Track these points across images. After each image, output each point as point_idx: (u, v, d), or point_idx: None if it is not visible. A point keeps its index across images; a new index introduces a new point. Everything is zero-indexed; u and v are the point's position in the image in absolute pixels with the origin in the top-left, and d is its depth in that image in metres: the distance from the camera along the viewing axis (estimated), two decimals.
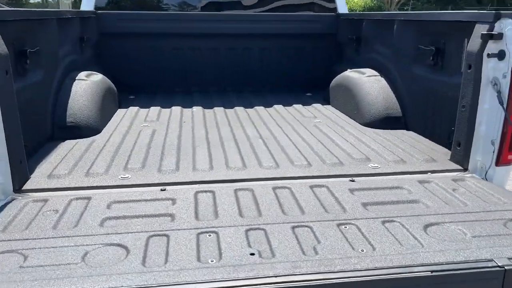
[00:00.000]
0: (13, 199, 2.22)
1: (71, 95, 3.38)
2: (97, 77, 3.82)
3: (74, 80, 3.55)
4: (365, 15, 4.46)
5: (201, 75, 5.02)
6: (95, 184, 2.38)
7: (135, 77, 4.85)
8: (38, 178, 2.46)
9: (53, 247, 1.74)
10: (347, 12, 5.07)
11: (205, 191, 2.29)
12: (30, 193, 2.31)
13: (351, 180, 2.46)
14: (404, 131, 3.48)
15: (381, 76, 3.87)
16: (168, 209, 2.09)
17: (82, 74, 3.68)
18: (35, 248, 1.73)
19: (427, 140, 3.21)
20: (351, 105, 3.92)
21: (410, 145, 3.06)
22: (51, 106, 3.23)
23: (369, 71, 3.98)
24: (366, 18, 4.30)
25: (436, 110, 3.17)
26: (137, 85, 4.84)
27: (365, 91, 3.76)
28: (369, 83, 3.81)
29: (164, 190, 2.31)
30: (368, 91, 3.74)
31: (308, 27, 4.99)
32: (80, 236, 1.83)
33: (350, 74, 4.12)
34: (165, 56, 4.90)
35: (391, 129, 3.50)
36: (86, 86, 3.53)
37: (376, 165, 2.69)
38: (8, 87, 2.24)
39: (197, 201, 2.17)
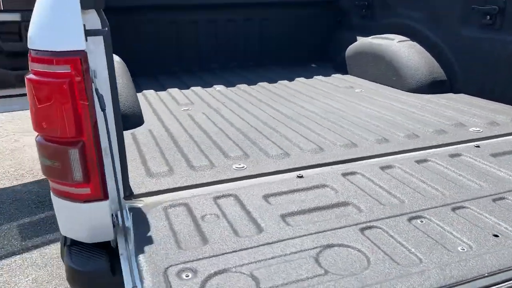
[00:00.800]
0: (133, 208, 1.79)
1: None
2: (117, 57, 3.28)
3: None
4: None
5: (200, 51, 4.58)
6: (216, 179, 2.01)
7: (129, 56, 4.28)
8: (138, 179, 2.03)
9: (270, 259, 1.41)
10: None
11: (350, 173, 2.04)
12: (144, 198, 1.88)
13: (476, 146, 2.35)
14: (454, 94, 3.45)
15: (412, 41, 3.80)
16: (339, 197, 1.82)
17: None
18: (251, 263, 1.39)
19: (488, 101, 3.20)
20: (383, 72, 3.81)
21: (479, 108, 3.03)
22: None
23: (397, 37, 3.88)
24: None
25: (497, 70, 3.16)
26: (131, 65, 4.27)
27: (404, 57, 3.66)
28: (404, 48, 3.72)
29: (301, 176, 2.02)
30: (408, 56, 3.65)
31: None
32: (282, 241, 1.51)
33: (375, 41, 3.99)
34: (161, 31, 4.39)
35: (439, 93, 3.46)
36: (117, 68, 3.00)
37: (477, 129, 2.62)
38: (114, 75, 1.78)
39: (357, 185, 1.93)
